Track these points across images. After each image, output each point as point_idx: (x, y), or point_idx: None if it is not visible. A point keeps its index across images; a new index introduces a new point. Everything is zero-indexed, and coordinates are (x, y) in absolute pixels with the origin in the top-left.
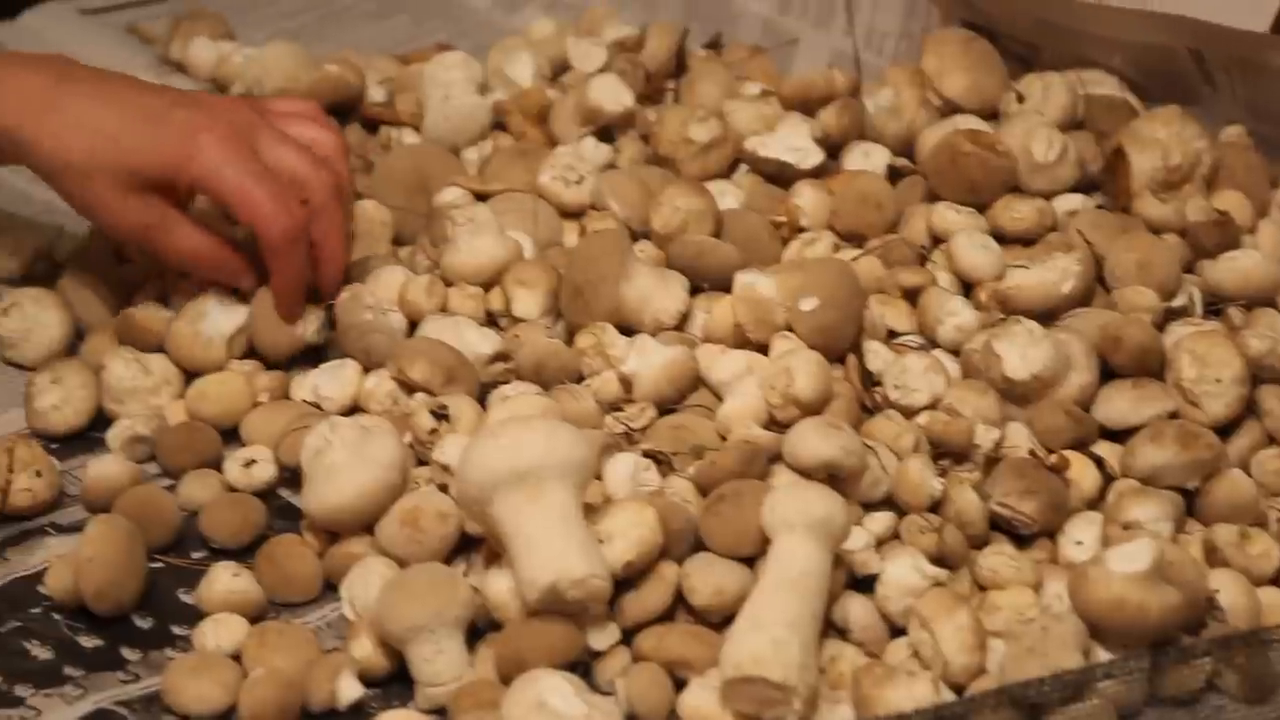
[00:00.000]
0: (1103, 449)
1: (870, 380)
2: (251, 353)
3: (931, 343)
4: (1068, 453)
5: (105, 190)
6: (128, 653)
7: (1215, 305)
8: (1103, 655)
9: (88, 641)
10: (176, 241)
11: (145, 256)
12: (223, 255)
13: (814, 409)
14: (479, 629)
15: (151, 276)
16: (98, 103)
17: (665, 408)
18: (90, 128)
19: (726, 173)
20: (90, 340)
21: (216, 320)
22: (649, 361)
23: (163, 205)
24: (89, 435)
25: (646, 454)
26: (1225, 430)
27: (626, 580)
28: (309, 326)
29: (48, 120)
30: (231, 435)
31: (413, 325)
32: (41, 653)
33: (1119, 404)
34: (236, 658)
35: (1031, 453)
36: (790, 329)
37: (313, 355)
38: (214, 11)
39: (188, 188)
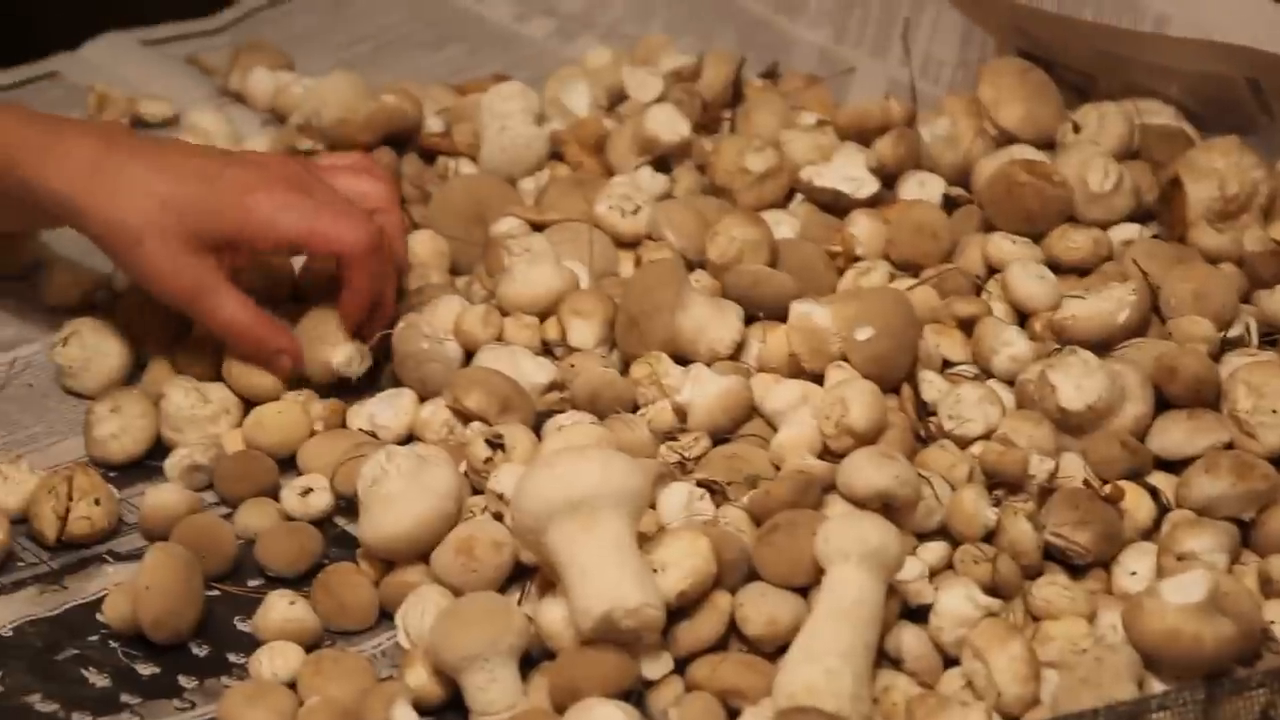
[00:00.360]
0: (1158, 479)
1: (925, 410)
2: (307, 380)
3: (986, 373)
4: (1122, 483)
5: (156, 253)
6: (184, 681)
7: (1271, 335)
8: (1157, 686)
9: (145, 669)
10: (221, 311)
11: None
12: (263, 331)
13: (868, 439)
14: (533, 658)
15: None
16: (149, 166)
17: (720, 437)
18: (142, 191)
19: (782, 202)
20: (149, 369)
21: None
22: (704, 391)
23: (214, 272)
24: (147, 464)
25: (700, 483)
26: None
27: (680, 609)
28: (340, 356)
29: (100, 184)
30: (288, 464)
31: (469, 355)
32: (99, 680)
33: (1174, 434)
34: (292, 686)
35: (1086, 483)
36: (845, 359)
37: (369, 384)
38: (273, 43)
39: (246, 244)
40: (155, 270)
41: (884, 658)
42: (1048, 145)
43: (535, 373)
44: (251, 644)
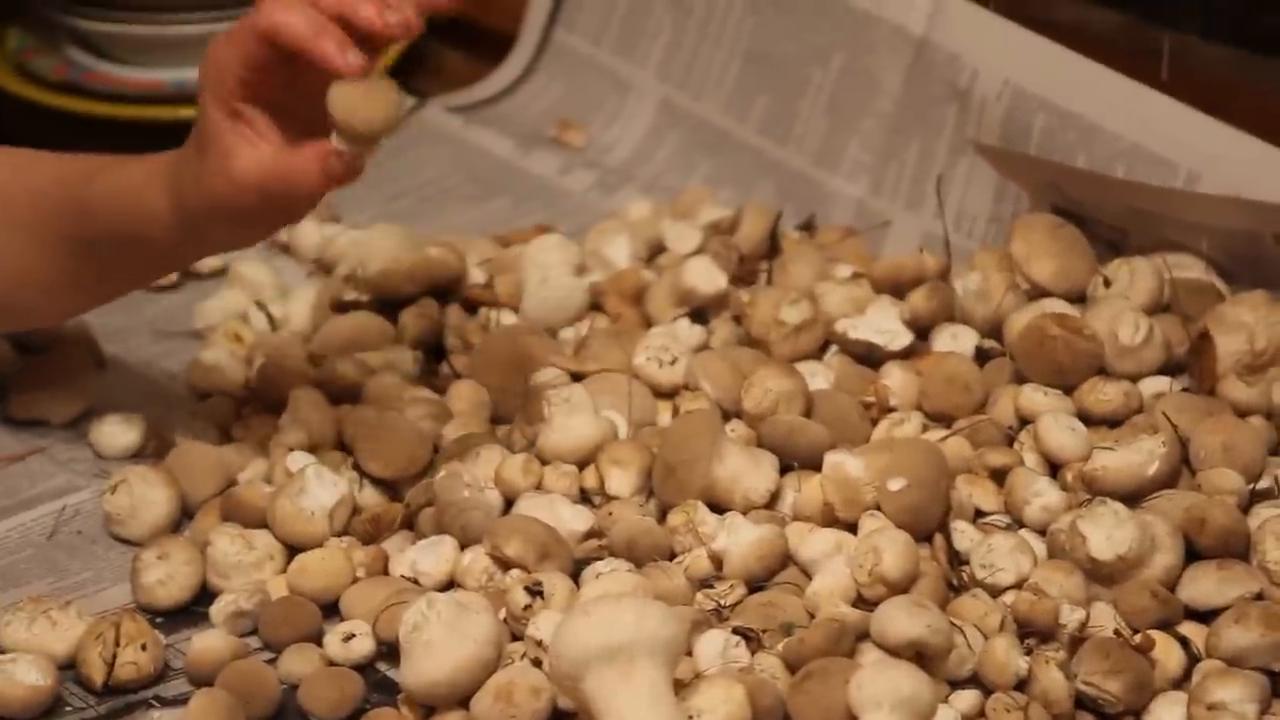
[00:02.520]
0: (1188, 629)
1: (957, 559)
2: (349, 527)
3: (1018, 523)
4: (1153, 633)
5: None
6: None
7: None
8: None
9: None
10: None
11: (249, 434)
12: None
13: (901, 587)
14: None
15: (255, 455)
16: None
17: (755, 585)
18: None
19: (817, 354)
20: (196, 517)
21: (317, 495)
22: (739, 539)
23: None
24: (193, 610)
25: (736, 631)
26: None
27: None
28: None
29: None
30: (331, 609)
31: (509, 503)
32: None
33: (1204, 585)
34: None
35: (1117, 632)
36: (878, 508)
37: (409, 530)
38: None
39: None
40: (236, 154)
41: None
42: (1079, 299)
43: (574, 521)
44: None
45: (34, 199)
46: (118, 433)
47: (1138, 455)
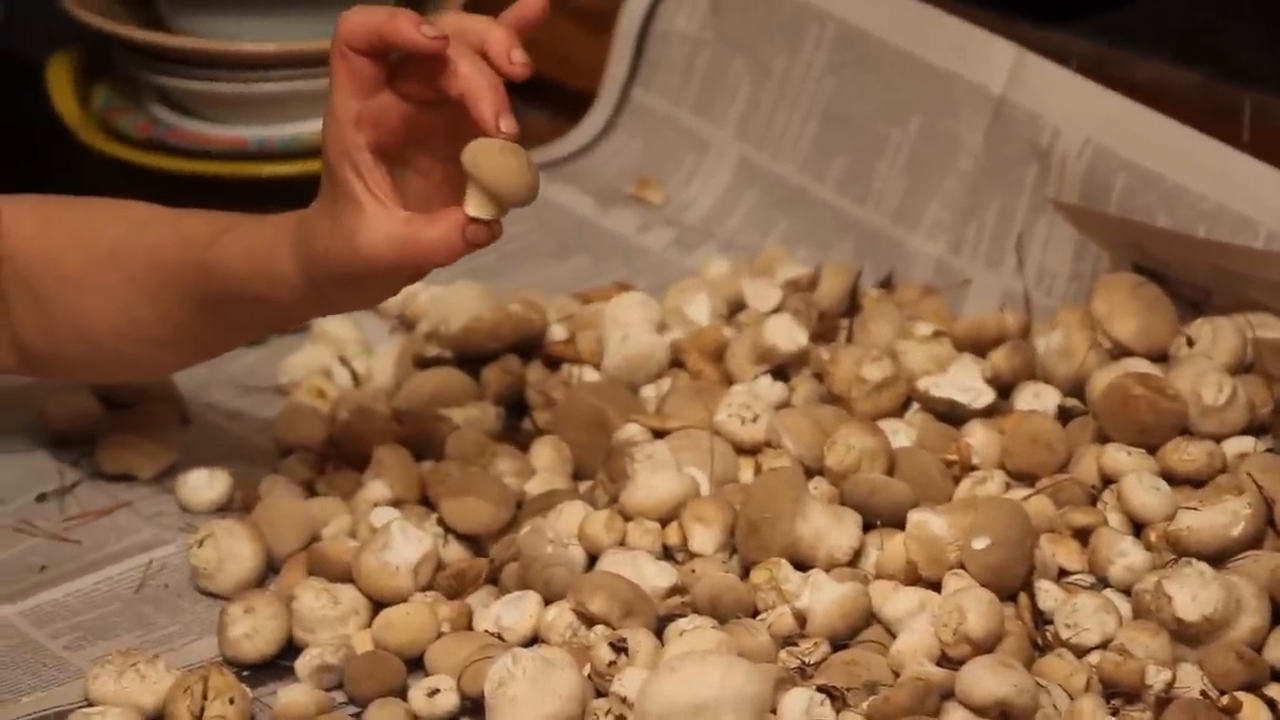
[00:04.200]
0: (1275, 691)
1: (1042, 619)
2: (434, 582)
3: (1103, 582)
4: (1240, 694)
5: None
6: None
7: None
8: None
9: None
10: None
11: (334, 489)
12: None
13: (986, 647)
14: None
15: (340, 510)
16: None
17: (839, 643)
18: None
19: (899, 411)
20: (282, 572)
21: (401, 550)
22: (823, 597)
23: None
24: (279, 663)
25: (820, 689)
26: None
27: None
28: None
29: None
30: (416, 664)
31: (592, 559)
32: None
33: None
34: None
35: (1203, 694)
36: (962, 567)
37: (493, 586)
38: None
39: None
40: (364, 227)
41: None
42: (1161, 358)
43: (657, 577)
44: None
45: (152, 256)
46: (203, 487)
47: (1222, 516)
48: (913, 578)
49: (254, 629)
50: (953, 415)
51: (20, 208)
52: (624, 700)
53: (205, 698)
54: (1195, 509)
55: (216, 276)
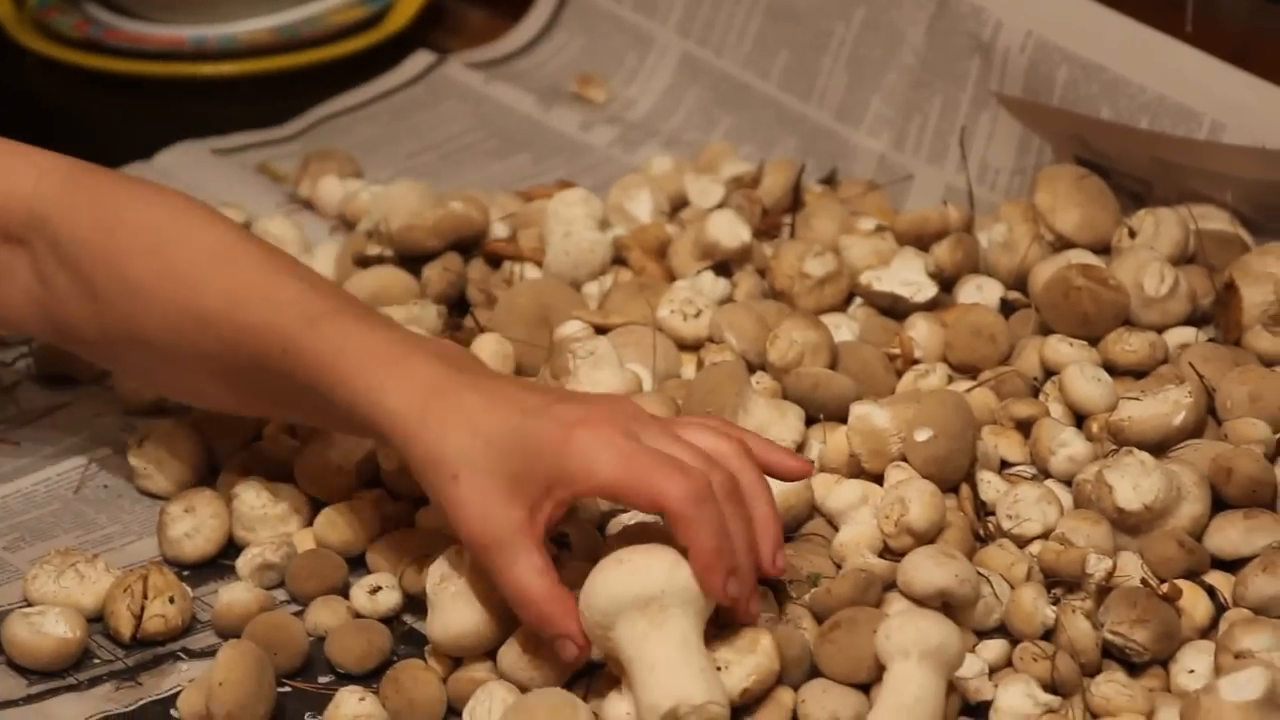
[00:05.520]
0: (1215, 578)
1: (983, 510)
2: (376, 480)
3: (1044, 473)
4: (1180, 582)
5: (468, 494)
6: None
7: None
8: None
9: None
10: (512, 570)
11: None
12: (551, 609)
13: (928, 538)
14: None
15: None
16: (483, 400)
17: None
18: (469, 428)
19: (842, 306)
20: (222, 471)
21: (344, 448)
22: None
23: (521, 526)
24: (220, 563)
25: (763, 581)
26: None
27: (744, 706)
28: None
29: (433, 412)
30: (358, 562)
31: None
32: None
33: (1230, 534)
34: None
35: (1144, 582)
36: (904, 459)
37: None
38: (342, 150)
39: (563, 488)
40: (463, 511)
41: None
42: (1104, 250)
43: None
44: None
45: (240, 335)
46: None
47: (1164, 405)
48: (855, 470)
49: (194, 528)
50: (895, 309)
51: (71, 183)
52: None
53: (145, 597)
54: (1136, 399)
55: (301, 384)
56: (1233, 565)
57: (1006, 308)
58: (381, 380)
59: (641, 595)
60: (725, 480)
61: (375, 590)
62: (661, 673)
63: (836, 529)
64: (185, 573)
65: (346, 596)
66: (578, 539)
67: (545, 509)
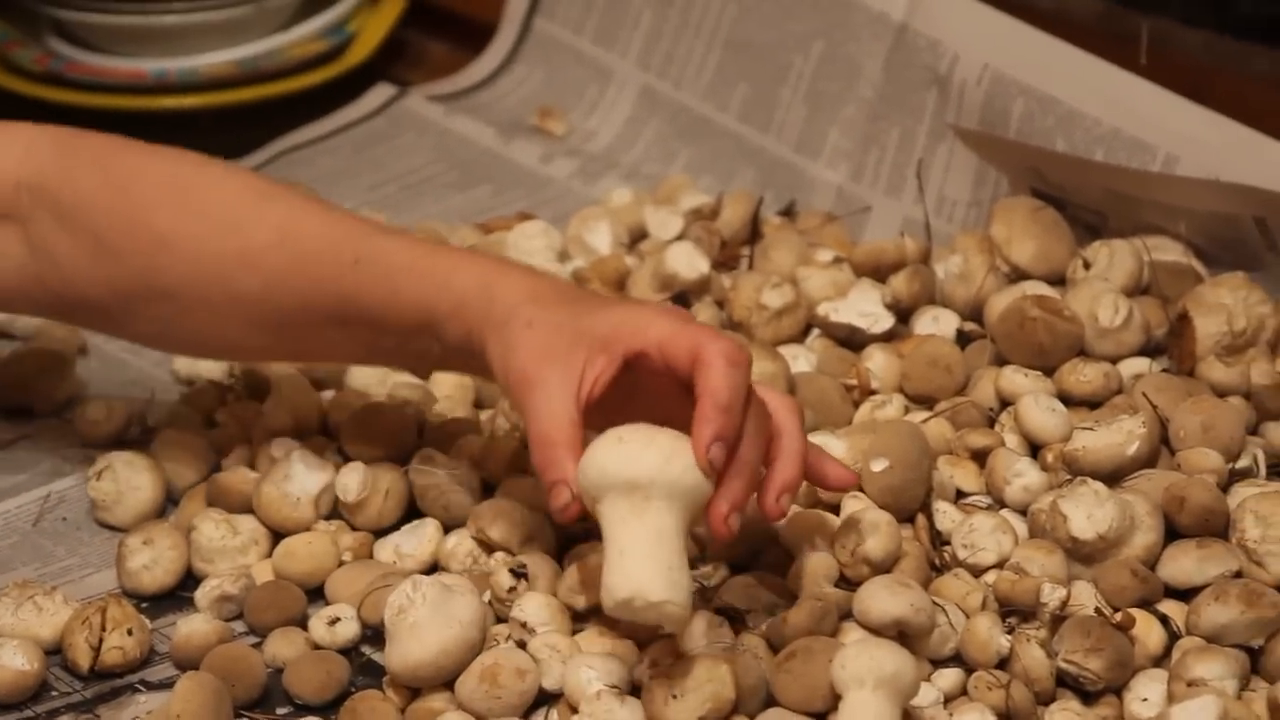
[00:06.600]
0: (1168, 607)
1: (939, 539)
2: (335, 512)
3: (999, 503)
4: (1133, 611)
5: (525, 335)
6: None
7: (1279, 467)
8: None
9: None
10: (540, 408)
11: (233, 420)
12: (548, 454)
13: (884, 567)
14: None
15: (240, 441)
16: (547, 278)
17: (738, 566)
18: (534, 292)
19: (799, 337)
20: (181, 503)
21: (303, 481)
22: None
23: (565, 374)
24: (179, 594)
25: (720, 611)
26: None
27: None
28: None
29: (499, 283)
30: (317, 594)
31: (492, 487)
32: None
33: (1183, 563)
34: None
35: (1098, 611)
36: (861, 489)
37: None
38: (304, 183)
39: (621, 342)
40: (518, 352)
41: None
42: (1059, 281)
43: None
44: None
45: (297, 263)
46: (102, 419)
47: (1118, 435)
48: (812, 501)
49: (153, 560)
50: (852, 340)
51: (65, 148)
52: (524, 625)
53: (104, 629)
54: (1091, 429)
55: (362, 303)
56: (1186, 594)
57: (962, 339)
58: (454, 264)
59: (629, 479)
60: (770, 402)
61: (334, 621)
62: (628, 560)
63: (793, 559)
64: (144, 605)
65: (305, 628)
66: (535, 570)
67: (598, 364)
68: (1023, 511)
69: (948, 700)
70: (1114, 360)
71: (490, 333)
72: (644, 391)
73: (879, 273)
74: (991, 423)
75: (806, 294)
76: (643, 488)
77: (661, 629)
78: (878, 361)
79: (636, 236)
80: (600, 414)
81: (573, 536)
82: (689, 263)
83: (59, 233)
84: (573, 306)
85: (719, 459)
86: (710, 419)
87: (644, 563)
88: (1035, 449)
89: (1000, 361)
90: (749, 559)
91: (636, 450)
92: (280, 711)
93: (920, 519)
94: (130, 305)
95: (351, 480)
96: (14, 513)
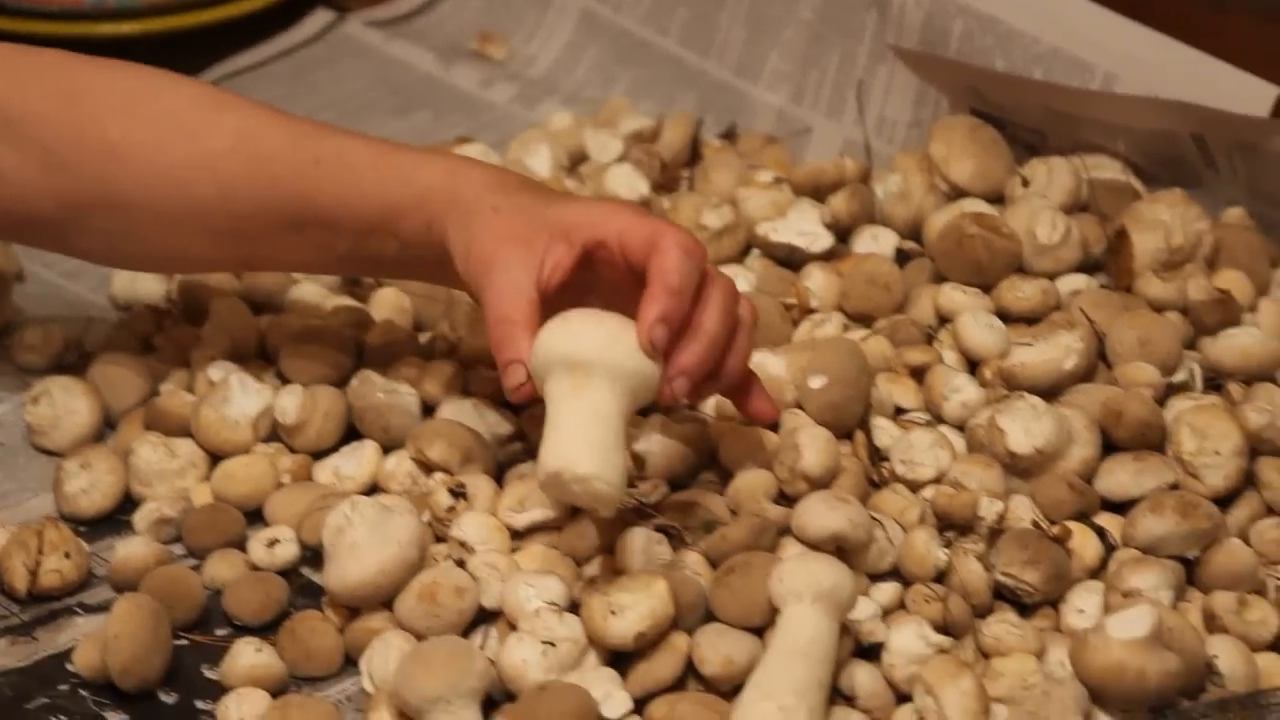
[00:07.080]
0: (1104, 520)
1: (877, 455)
2: (274, 435)
3: (937, 418)
4: (1070, 524)
5: (492, 219)
6: None
7: (1215, 380)
8: (1103, 719)
9: (114, 717)
10: (496, 284)
11: (171, 344)
12: (502, 332)
13: (822, 483)
14: (494, 699)
15: (177, 365)
16: (513, 173)
17: (677, 484)
18: (499, 182)
19: (739, 257)
20: (119, 427)
21: (241, 404)
22: (661, 439)
23: (526, 254)
24: (117, 518)
25: (659, 528)
26: (1224, 501)
27: (638, 650)
28: None
29: (463, 175)
30: (255, 516)
31: (431, 408)
32: None
33: (1120, 476)
34: None
35: (1035, 524)
36: (800, 406)
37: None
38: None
39: (580, 232)
40: (484, 234)
41: (838, 695)
42: (997, 199)
43: (498, 424)
44: (219, 691)
45: (257, 165)
46: (39, 344)
47: (1055, 350)
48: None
49: (91, 484)
50: (792, 260)
51: (8, 63)
52: (463, 544)
53: (41, 553)
54: (1029, 345)
55: (320, 204)
56: (1122, 507)
57: (901, 257)
58: (417, 159)
59: (571, 357)
60: (729, 290)
61: (273, 543)
62: (562, 435)
63: (732, 475)
64: (82, 528)
65: (244, 549)
66: (474, 490)
67: (558, 251)
68: (960, 427)
69: (886, 613)
70: (1052, 277)
71: (454, 219)
72: (602, 288)
73: (818, 193)
74: (930, 340)
75: (746, 214)
76: (583, 365)
77: (595, 510)
78: (817, 280)
79: (576, 160)
80: (558, 311)
81: (513, 461)
82: (629, 184)
83: (4, 146)
84: (537, 195)
85: (661, 340)
86: (657, 299)
87: (577, 438)
88: (973, 365)
89: (939, 279)
90: (688, 476)
91: (582, 329)
92: (219, 633)
93: (859, 435)
94: (79, 218)
95: (290, 402)
96: None
